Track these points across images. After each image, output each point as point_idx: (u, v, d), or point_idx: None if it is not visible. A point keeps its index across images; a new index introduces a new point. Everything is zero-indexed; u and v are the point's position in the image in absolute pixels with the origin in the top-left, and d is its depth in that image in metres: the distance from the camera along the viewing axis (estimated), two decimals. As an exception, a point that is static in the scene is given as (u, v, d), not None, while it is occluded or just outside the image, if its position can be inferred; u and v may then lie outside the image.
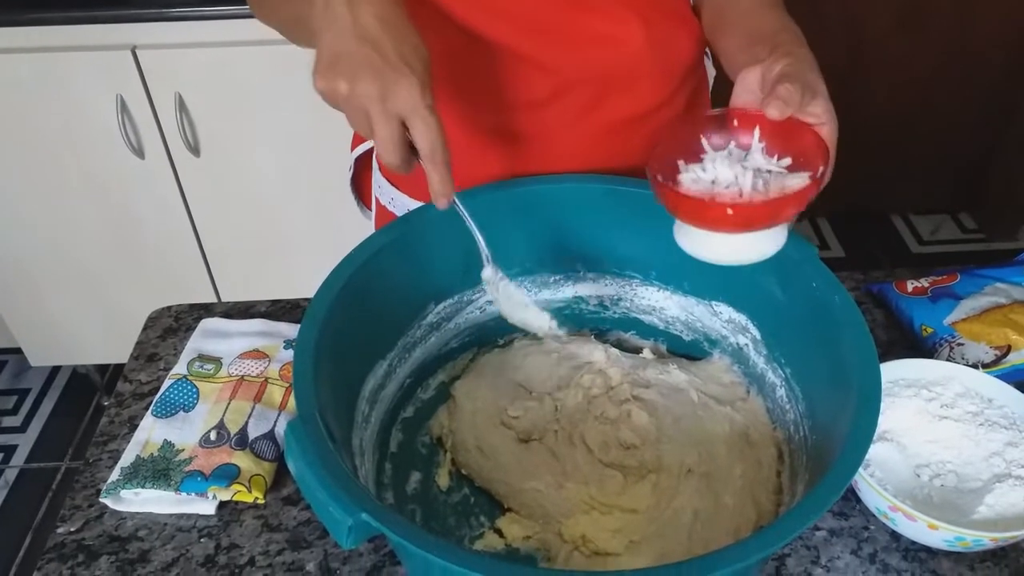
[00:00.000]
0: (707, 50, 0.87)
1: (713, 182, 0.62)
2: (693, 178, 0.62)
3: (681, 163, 0.63)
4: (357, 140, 0.94)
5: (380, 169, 0.92)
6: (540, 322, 0.74)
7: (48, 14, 1.43)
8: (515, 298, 0.73)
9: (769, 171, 0.62)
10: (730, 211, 0.59)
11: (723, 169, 0.62)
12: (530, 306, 0.74)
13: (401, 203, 0.89)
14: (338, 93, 0.57)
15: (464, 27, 0.73)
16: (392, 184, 0.90)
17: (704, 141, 0.64)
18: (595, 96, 0.78)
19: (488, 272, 0.70)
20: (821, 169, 0.60)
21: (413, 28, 0.59)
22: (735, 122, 0.64)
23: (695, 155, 0.64)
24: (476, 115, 0.80)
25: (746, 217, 0.60)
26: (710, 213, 0.60)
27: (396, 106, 0.57)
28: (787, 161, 0.62)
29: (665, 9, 0.76)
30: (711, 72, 0.90)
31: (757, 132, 0.63)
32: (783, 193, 0.60)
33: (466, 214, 0.66)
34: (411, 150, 0.60)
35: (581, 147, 0.81)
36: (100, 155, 1.56)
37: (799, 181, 0.60)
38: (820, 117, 0.61)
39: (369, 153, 0.94)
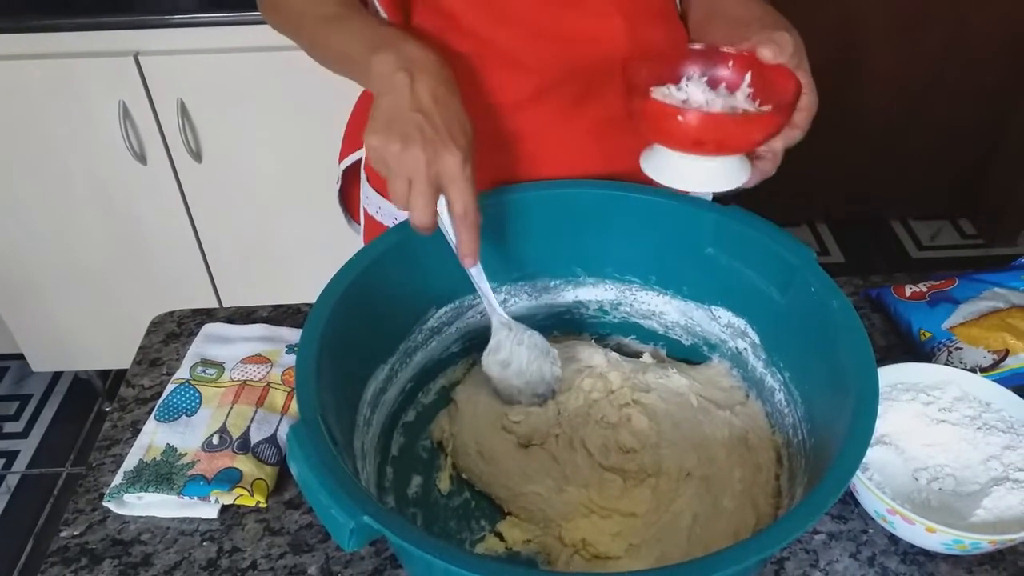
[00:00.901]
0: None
1: (684, 102, 0.65)
2: (665, 93, 0.66)
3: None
4: (345, 152, 0.95)
5: (368, 179, 0.92)
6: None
7: (51, 20, 1.43)
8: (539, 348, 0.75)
9: (746, 111, 0.66)
10: (689, 119, 0.62)
11: (696, 91, 0.65)
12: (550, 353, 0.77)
13: (388, 211, 0.90)
14: (389, 152, 0.61)
15: (448, 25, 0.74)
16: (379, 193, 0.90)
17: (685, 69, 0.68)
18: (579, 95, 0.79)
19: (501, 336, 0.74)
20: (792, 101, 0.63)
21: (462, 108, 0.65)
22: (725, 61, 0.68)
23: (674, 79, 0.68)
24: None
25: (709, 131, 0.63)
26: (674, 124, 0.63)
27: (440, 173, 0.62)
28: (768, 108, 0.65)
29: (648, 8, 0.77)
30: None
31: (748, 76, 0.66)
32: (748, 114, 0.63)
33: (484, 281, 0.71)
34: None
35: (566, 148, 0.82)
36: (102, 161, 1.57)
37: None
38: (804, 86, 0.65)
39: (357, 165, 0.95)
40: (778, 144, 0.67)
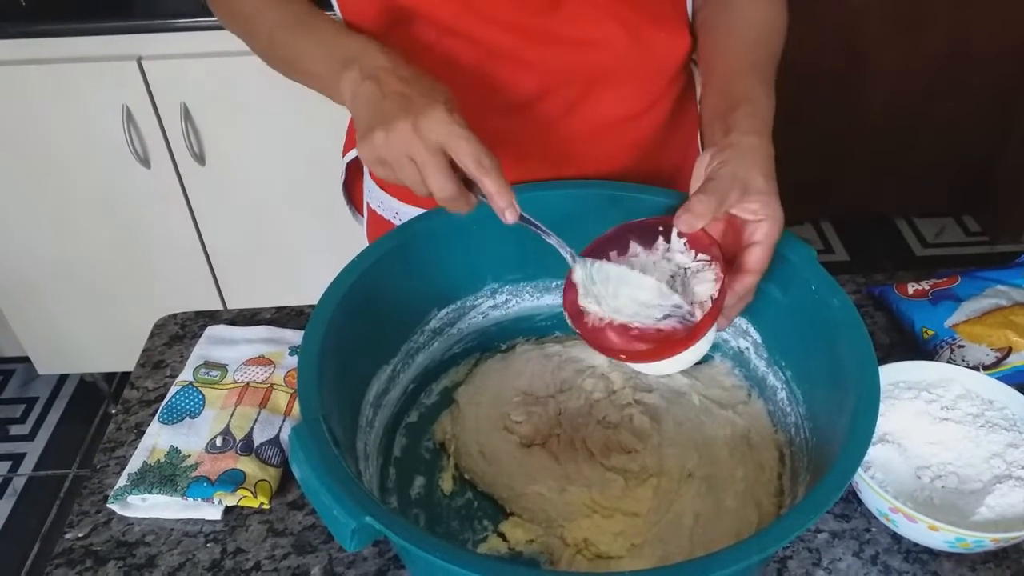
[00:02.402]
0: (695, 58, 0.88)
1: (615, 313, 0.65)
2: (594, 311, 0.65)
3: (583, 301, 0.66)
4: (348, 145, 0.95)
5: (370, 173, 0.93)
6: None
7: (54, 26, 1.44)
8: (619, 277, 0.67)
9: (687, 269, 0.65)
10: (623, 356, 0.64)
11: (625, 299, 0.65)
12: (634, 272, 0.67)
13: (390, 207, 0.90)
14: (378, 145, 0.60)
15: (448, 29, 0.74)
16: (382, 188, 0.90)
17: (633, 242, 0.68)
18: (579, 97, 0.79)
19: (579, 273, 0.67)
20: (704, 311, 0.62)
21: (434, 80, 0.63)
22: (665, 228, 0.67)
23: (624, 251, 0.68)
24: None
25: (636, 358, 0.64)
26: (608, 352, 0.65)
27: (430, 133, 0.59)
28: (704, 258, 0.65)
29: (648, 12, 0.77)
30: (699, 79, 0.91)
31: (675, 235, 0.66)
32: (664, 337, 0.63)
33: (536, 222, 0.65)
34: (466, 184, 0.62)
35: (566, 150, 0.82)
36: (106, 165, 1.58)
37: (708, 287, 0.63)
38: (757, 213, 0.63)
39: (360, 159, 0.95)
40: (731, 302, 0.65)
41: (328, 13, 0.74)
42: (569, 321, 0.66)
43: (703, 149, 0.69)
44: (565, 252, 0.66)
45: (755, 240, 0.63)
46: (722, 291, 0.62)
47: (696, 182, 0.66)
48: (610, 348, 0.64)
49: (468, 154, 0.59)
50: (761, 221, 0.63)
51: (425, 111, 0.59)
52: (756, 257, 0.63)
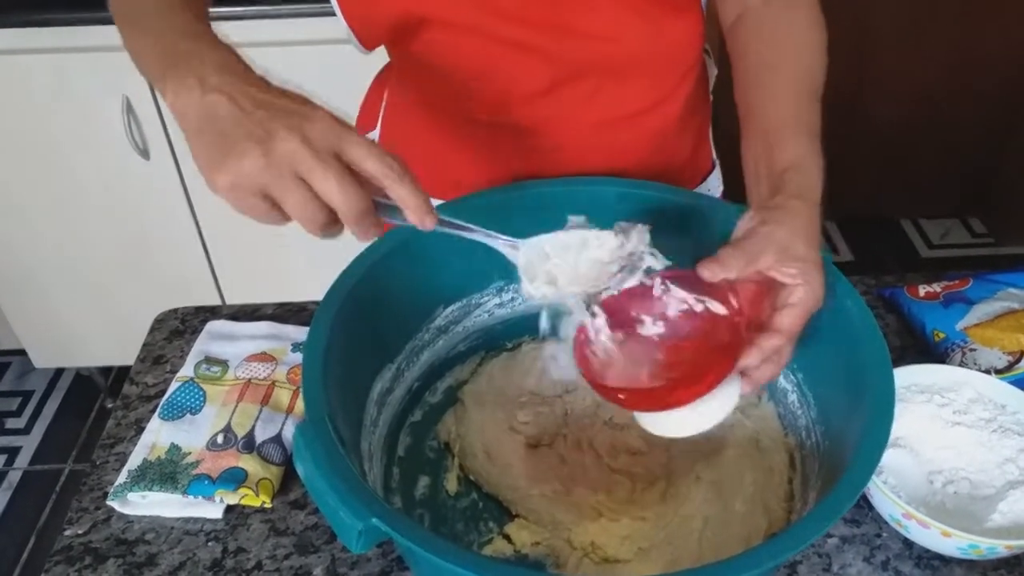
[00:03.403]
0: (708, 48, 0.87)
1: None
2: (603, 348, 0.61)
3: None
4: (358, 130, 0.94)
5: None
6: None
7: (53, 15, 1.42)
8: (579, 242, 0.61)
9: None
10: (621, 396, 0.60)
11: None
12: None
13: None
14: (247, 170, 0.48)
15: (463, 28, 0.73)
16: None
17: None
18: (594, 88, 0.78)
19: (524, 256, 0.61)
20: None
21: (289, 90, 0.54)
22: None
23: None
24: (476, 110, 0.79)
25: (637, 402, 0.60)
26: (628, 406, 0.61)
27: (324, 139, 0.49)
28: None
29: (664, 3, 0.76)
30: (712, 71, 0.90)
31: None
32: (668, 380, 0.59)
33: (459, 223, 0.59)
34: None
35: (580, 142, 0.81)
36: (105, 156, 1.56)
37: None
38: (795, 278, 0.59)
39: None
40: (754, 361, 0.59)
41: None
42: (578, 365, 0.62)
43: (749, 205, 0.65)
44: (503, 242, 0.60)
45: (789, 303, 0.59)
46: (736, 338, 0.58)
47: (735, 237, 0.62)
48: (614, 390, 0.60)
49: (373, 156, 0.49)
50: (798, 286, 0.59)
51: (310, 116, 0.49)
52: (787, 319, 0.59)
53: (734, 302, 0.60)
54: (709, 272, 0.58)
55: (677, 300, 0.62)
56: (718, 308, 0.60)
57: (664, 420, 0.61)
